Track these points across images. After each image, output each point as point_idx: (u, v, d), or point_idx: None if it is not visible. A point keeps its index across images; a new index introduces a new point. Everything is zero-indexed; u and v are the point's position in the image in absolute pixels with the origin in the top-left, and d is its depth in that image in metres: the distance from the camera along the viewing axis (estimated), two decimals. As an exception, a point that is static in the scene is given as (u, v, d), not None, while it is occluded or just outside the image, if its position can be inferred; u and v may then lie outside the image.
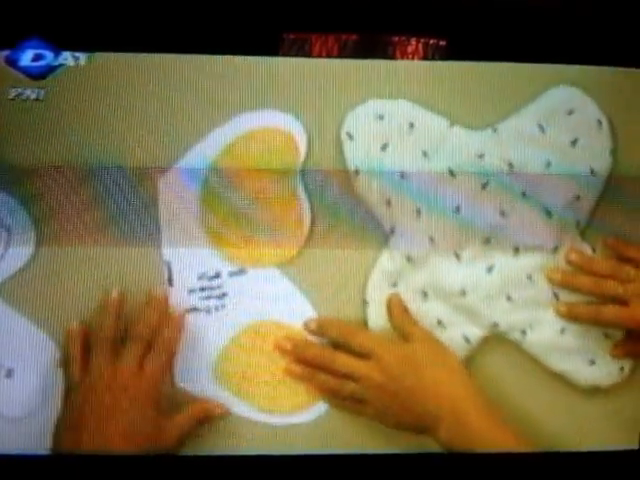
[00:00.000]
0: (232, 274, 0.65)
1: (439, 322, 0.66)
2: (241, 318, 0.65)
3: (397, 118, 0.65)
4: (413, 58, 0.66)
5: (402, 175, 0.65)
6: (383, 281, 0.66)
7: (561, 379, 0.66)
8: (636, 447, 0.66)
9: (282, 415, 0.65)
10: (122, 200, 0.64)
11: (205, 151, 0.64)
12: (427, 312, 0.66)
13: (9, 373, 0.63)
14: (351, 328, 0.64)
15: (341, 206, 0.65)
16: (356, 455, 0.64)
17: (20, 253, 0.63)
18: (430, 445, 0.62)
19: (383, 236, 0.66)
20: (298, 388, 0.65)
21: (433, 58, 0.66)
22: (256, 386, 0.65)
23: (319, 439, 0.64)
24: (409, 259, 0.66)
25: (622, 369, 0.66)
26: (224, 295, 0.65)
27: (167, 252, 0.64)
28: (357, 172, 0.65)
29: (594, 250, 0.66)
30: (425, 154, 0.65)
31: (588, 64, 0.66)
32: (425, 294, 0.66)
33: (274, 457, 0.64)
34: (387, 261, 0.66)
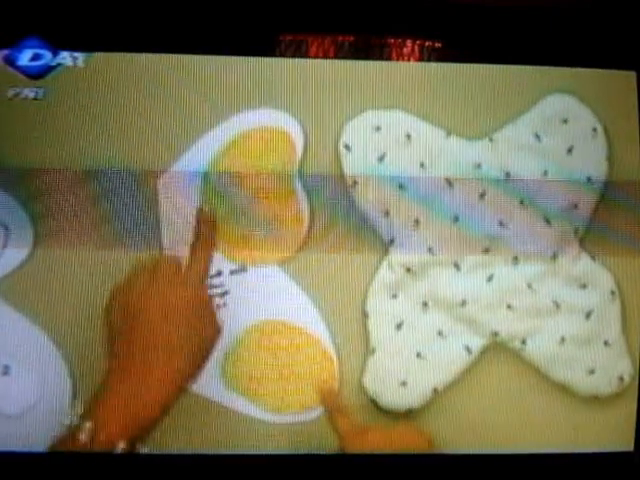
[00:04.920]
0: (233, 272, 0.65)
1: (439, 332, 0.65)
2: (244, 317, 0.65)
3: (394, 129, 0.65)
4: (409, 60, 0.66)
5: (400, 186, 0.65)
6: (383, 292, 0.65)
7: (561, 388, 0.66)
8: (631, 449, 0.66)
9: (291, 414, 0.65)
10: (121, 200, 0.64)
11: (204, 151, 0.65)
12: (427, 323, 0.66)
13: (6, 370, 0.63)
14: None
15: (340, 204, 0.65)
16: (363, 454, 0.64)
17: (18, 251, 0.63)
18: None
19: (382, 238, 0.66)
20: (306, 386, 0.65)
21: (429, 60, 0.66)
22: (264, 385, 0.65)
23: (328, 437, 0.63)
24: (408, 270, 0.65)
25: (621, 379, 0.66)
26: (226, 293, 0.65)
27: (168, 252, 0.64)
28: (355, 183, 0.65)
29: (593, 257, 0.67)
30: (422, 165, 0.65)
31: (582, 67, 0.67)
32: (425, 305, 0.66)
33: (283, 456, 0.64)
34: (386, 272, 0.65)
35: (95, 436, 0.57)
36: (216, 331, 0.63)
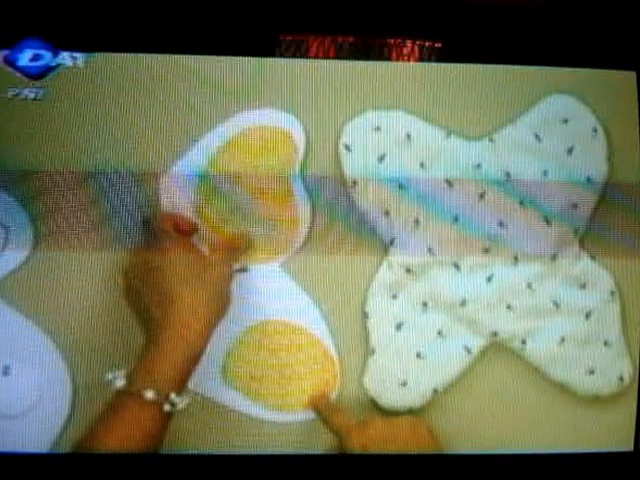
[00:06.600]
0: (234, 272, 0.64)
1: (439, 333, 0.65)
2: (245, 317, 0.65)
3: (394, 129, 0.65)
4: (409, 60, 0.66)
5: (400, 186, 0.65)
6: (383, 293, 0.65)
7: (561, 388, 0.66)
8: (631, 449, 0.66)
9: (291, 413, 0.65)
10: (121, 200, 0.64)
11: (204, 151, 0.65)
12: (427, 323, 0.66)
13: (6, 370, 0.63)
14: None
15: (340, 204, 0.66)
16: (363, 454, 0.64)
17: (18, 252, 0.64)
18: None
19: (382, 239, 0.66)
20: (306, 386, 0.65)
21: (429, 60, 0.66)
22: (265, 385, 0.65)
23: (329, 436, 0.63)
24: (408, 270, 0.65)
25: (621, 378, 0.66)
26: None
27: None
28: (355, 183, 0.65)
29: (593, 257, 0.67)
30: (422, 165, 0.65)
31: (582, 67, 0.67)
32: (425, 305, 0.66)
33: (284, 456, 0.64)
34: (386, 272, 0.65)
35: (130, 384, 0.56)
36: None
